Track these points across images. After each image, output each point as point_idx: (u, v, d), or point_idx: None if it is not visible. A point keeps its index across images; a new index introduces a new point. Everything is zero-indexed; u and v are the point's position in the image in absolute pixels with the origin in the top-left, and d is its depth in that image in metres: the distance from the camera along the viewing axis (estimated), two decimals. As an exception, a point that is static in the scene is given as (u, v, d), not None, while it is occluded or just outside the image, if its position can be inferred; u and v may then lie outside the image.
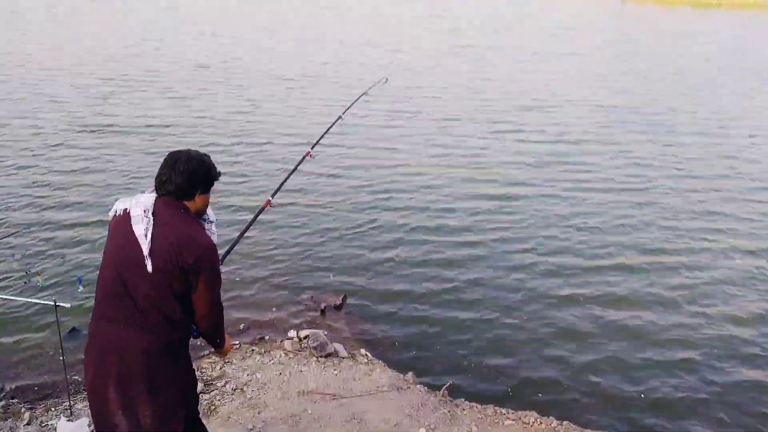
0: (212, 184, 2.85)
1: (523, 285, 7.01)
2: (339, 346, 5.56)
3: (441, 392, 4.90)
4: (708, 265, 7.80)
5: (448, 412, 4.63)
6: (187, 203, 2.75)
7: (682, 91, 19.05)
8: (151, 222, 2.63)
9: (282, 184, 4.04)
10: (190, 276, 2.64)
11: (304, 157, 4.35)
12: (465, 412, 4.70)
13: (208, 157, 2.84)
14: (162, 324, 2.65)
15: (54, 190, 8.73)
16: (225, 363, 5.22)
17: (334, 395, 4.69)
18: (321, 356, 5.34)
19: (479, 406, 4.86)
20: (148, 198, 2.72)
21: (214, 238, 2.86)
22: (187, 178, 2.71)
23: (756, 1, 51.30)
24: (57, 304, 4.15)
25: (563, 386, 5.41)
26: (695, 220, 9.18)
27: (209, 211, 2.92)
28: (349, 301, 6.54)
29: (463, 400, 4.94)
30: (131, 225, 2.63)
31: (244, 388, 4.82)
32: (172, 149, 2.85)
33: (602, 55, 24.84)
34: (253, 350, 5.48)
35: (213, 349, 3.06)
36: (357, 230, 8.19)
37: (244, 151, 10.92)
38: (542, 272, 7.32)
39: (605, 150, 12.36)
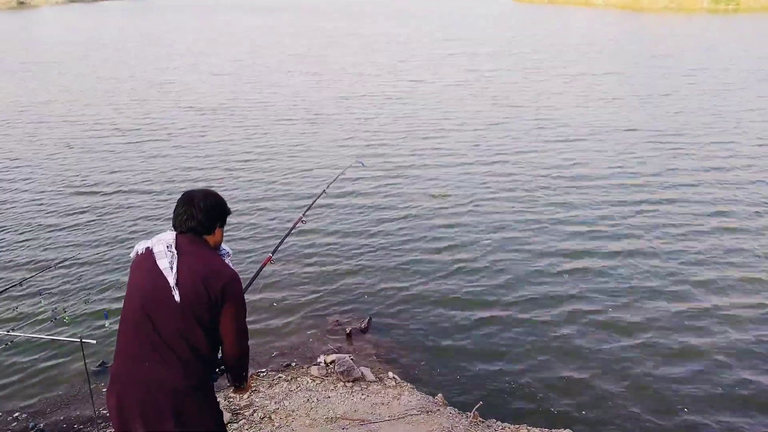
0: (226, 219, 2.93)
1: (553, 305, 6.84)
2: (366, 370, 5.49)
3: (472, 413, 4.80)
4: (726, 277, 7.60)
5: (480, 433, 4.53)
6: (207, 238, 2.80)
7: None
8: (176, 255, 2.66)
9: (281, 242, 4.15)
10: (217, 305, 2.65)
11: (296, 223, 4.42)
12: (497, 433, 4.59)
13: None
14: (190, 359, 2.64)
15: (76, 229, 8.84)
16: (252, 392, 5.19)
17: (362, 421, 4.62)
18: (348, 381, 5.28)
19: (512, 426, 4.74)
20: (169, 235, 2.76)
21: None
22: (207, 213, 2.79)
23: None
24: (83, 340, 4.17)
25: (598, 405, 5.25)
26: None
27: (224, 245, 2.96)
28: (375, 323, 6.47)
29: (495, 420, 4.82)
30: (155, 260, 2.67)
31: (272, 416, 4.78)
32: (184, 190, 2.93)
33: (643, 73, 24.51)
34: (279, 377, 5.44)
35: (233, 387, 3.01)
36: (380, 253, 8.13)
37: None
38: (573, 294, 7.11)
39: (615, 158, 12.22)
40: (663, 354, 5.95)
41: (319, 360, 5.73)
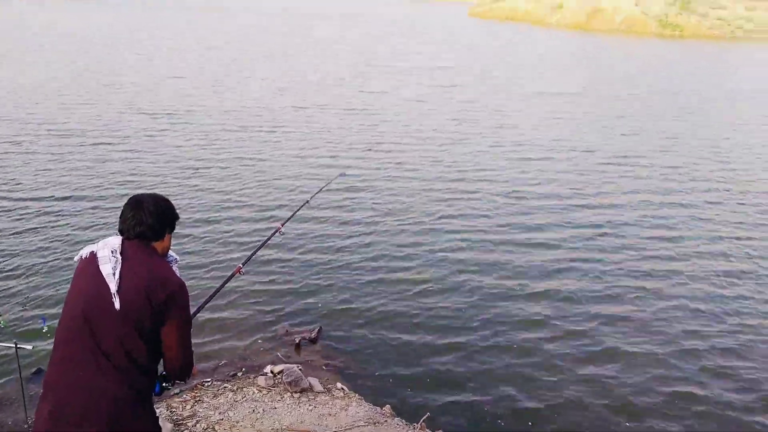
0: (175, 224, 2.87)
1: (510, 323, 6.84)
2: (314, 381, 5.43)
3: (419, 425, 4.79)
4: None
5: (427, 445, 4.52)
6: (155, 244, 2.73)
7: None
8: (119, 261, 2.59)
9: (252, 254, 4.05)
10: (160, 314, 2.58)
11: (274, 233, 4.39)
12: (444, 445, 4.60)
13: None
14: (128, 368, 2.55)
15: (16, 233, 8.50)
16: (196, 402, 5.07)
17: (309, 432, 4.56)
18: (295, 392, 5.21)
19: (458, 438, 4.76)
20: (116, 240, 2.68)
21: None
22: (158, 218, 2.72)
23: (713, 32, 53.34)
24: (18, 346, 4.01)
25: (545, 418, 5.32)
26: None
27: (171, 251, 2.89)
28: (326, 334, 6.42)
29: (442, 432, 4.83)
30: (98, 265, 2.59)
31: (216, 427, 4.68)
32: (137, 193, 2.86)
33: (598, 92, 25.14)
34: (225, 387, 5.33)
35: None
36: (332, 264, 8.07)
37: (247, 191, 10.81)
38: (525, 301, 7.26)
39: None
40: (628, 362, 6.12)
41: (266, 370, 5.64)
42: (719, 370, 6.14)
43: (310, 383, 5.35)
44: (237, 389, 5.29)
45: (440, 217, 9.78)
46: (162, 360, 2.77)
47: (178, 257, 2.92)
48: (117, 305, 2.52)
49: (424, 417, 4.85)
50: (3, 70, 21.87)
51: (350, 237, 8.89)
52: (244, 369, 5.74)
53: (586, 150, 14.64)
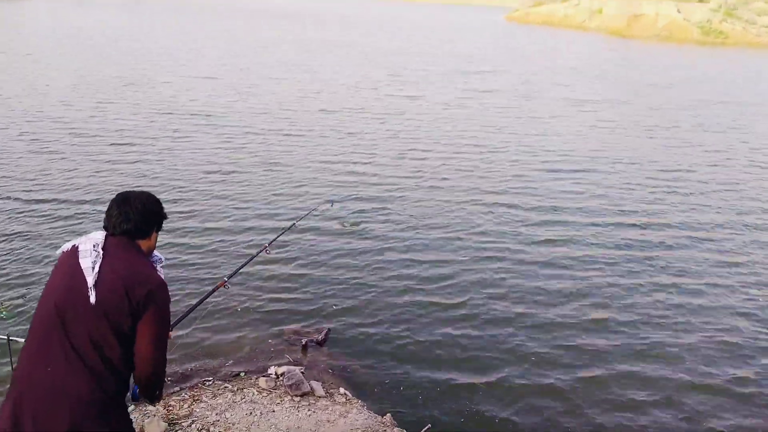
0: (162, 223, 2.79)
1: (516, 325, 6.68)
2: (316, 385, 5.29)
3: (419, 436, 4.61)
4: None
5: (424, 459, 4.33)
6: (140, 242, 2.65)
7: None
8: (101, 255, 2.50)
9: (239, 269, 4.03)
10: (138, 314, 2.46)
11: (260, 251, 4.33)
12: (442, 459, 4.40)
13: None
14: (100, 370, 2.43)
15: (16, 220, 8.55)
16: (194, 401, 4.98)
17: (303, 439, 4.42)
18: (296, 395, 5.08)
19: (459, 452, 4.56)
20: (99, 234, 2.59)
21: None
22: (145, 216, 2.65)
23: (760, 39, 51.65)
24: (10, 338, 3.95)
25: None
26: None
27: (156, 251, 2.80)
28: (333, 338, 6.27)
29: (442, 445, 4.64)
30: (78, 259, 2.49)
31: (211, 429, 4.57)
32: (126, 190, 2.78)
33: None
34: (225, 387, 5.23)
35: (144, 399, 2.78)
36: (348, 267, 7.90)
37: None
38: (544, 315, 6.98)
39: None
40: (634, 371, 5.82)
41: (269, 371, 5.53)
42: None
43: (311, 387, 5.21)
44: (237, 390, 5.18)
45: (468, 228, 9.38)
46: (135, 371, 2.63)
47: (163, 258, 2.84)
48: (93, 299, 2.42)
49: (425, 429, 4.66)
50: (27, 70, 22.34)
51: (369, 242, 8.67)
52: (247, 369, 5.63)
53: (630, 162, 13.80)
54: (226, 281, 3.76)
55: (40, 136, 12.92)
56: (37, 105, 15.93)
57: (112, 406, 2.49)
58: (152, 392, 2.65)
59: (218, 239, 8.39)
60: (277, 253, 7.82)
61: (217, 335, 6.16)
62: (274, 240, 4.66)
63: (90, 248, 2.49)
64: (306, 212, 5.86)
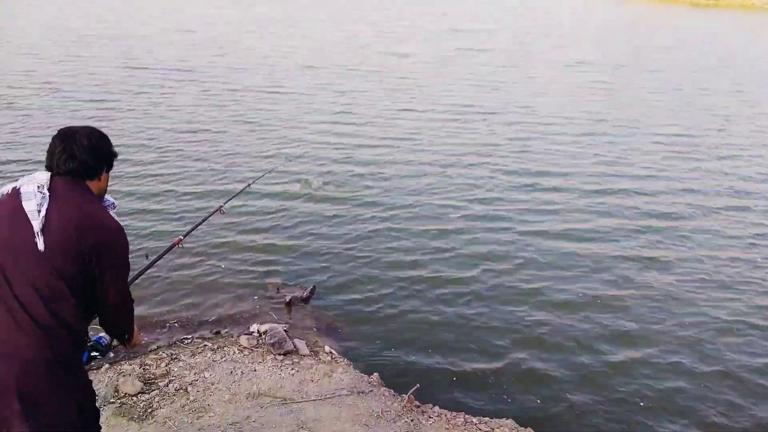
0: (113, 162, 2.49)
1: (503, 285, 6.49)
2: (300, 343, 5.07)
3: (407, 397, 4.41)
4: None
5: (412, 420, 4.14)
6: (89, 183, 2.35)
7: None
8: (47, 198, 2.19)
9: (193, 229, 3.81)
10: (93, 261, 2.20)
11: (214, 212, 4.12)
12: (431, 421, 4.21)
13: None
14: (50, 326, 2.15)
15: None
16: (172, 360, 4.75)
17: (285, 399, 4.20)
18: (279, 354, 4.86)
19: (449, 414, 4.38)
20: (43, 175, 2.27)
21: None
22: (93, 152, 2.34)
23: (753, 3, 50.90)
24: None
25: (542, 396, 4.90)
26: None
27: (108, 195, 2.52)
28: (318, 293, 6.04)
29: (431, 405, 4.44)
30: (21, 202, 2.18)
31: (189, 389, 4.34)
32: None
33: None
34: (205, 346, 4.99)
35: (119, 343, 2.59)
36: (333, 221, 7.70)
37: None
38: (524, 272, 6.79)
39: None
40: (623, 343, 5.64)
41: (252, 329, 5.29)
42: None
43: (295, 345, 4.99)
44: (217, 348, 4.95)
45: (455, 190, 9.07)
46: (99, 319, 2.40)
47: (115, 201, 2.54)
48: (40, 246, 2.13)
49: (414, 389, 4.46)
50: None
51: (358, 203, 8.37)
52: (228, 327, 5.40)
53: (627, 125, 13.28)
54: (182, 238, 3.50)
55: (11, 91, 12.36)
56: (7, 56, 15.31)
57: (65, 366, 2.21)
58: (121, 335, 2.54)
59: (176, 198, 8.03)
60: (256, 207, 7.54)
61: (196, 292, 5.92)
62: (229, 200, 4.36)
63: (34, 189, 2.19)
64: (262, 173, 5.62)
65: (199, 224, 3.94)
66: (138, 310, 4.90)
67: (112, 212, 2.44)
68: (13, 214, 2.18)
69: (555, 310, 6.10)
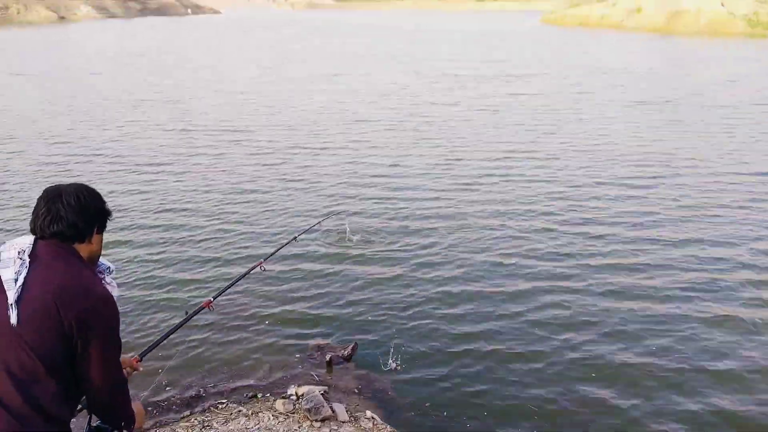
0: (106, 223, 2.25)
1: (554, 347, 5.91)
2: (339, 407, 4.71)
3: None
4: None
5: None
6: (78, 246, 2.11)
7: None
8: (26, 264, 1.97)
9: (227, 288, 3.63)
10: (75, 337, 1.94)
11: (253, 267, 4.02)
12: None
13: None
14: (23, 412, 1.89)
15: None
16: (204, 427, 4.46)
17: (320, 474, 3.83)
18: (316, 420, 4.51)
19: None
20: (26, 239, 2.06)
21: (115, 293, 2.19)
22: (82, 213, 2.11)
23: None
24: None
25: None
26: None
27: (103, 259, 2.28)
28: (361, 353, 5.66)
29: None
30: None
31: (219, 460, 4.03)
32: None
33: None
34: (239, 411, 4.71)
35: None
36: (377, 277, 7.29)
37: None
38: (604, 342, 6.11)
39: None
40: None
41: (289, 392, 4.98)
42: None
43: (333, 410, 4.63)
44: (252, 414, 4.64)
45: (508, 237, 8.55)
46: (87, 402, 2.11)
47: (112, 266, 2.29)
48: (13, 320, 1.88)
49: (463, 459, 4.01)
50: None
51: (402, 252, 8.03)
52: (265, 389, 5.10)
53: (690, 166, 12.30)
54: (212, 301, 3.27)
55: (68, 158, 12.64)
56: (65, 124, 15.96)
57: None
58: (116, 421, 2.18)
59: (212, 254, 7.84)
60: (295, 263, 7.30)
61: (232, 352, 5.66)
62: (271, 255, 4.20)
63: (14, 256, 1.97)
64: (308, 226, 5.41)
65: (238, 280, 3.79)
66: (170, 374, 4.64)
67: (107, 278, 2.21)
68: None
69: (647, 391, 5.36)
